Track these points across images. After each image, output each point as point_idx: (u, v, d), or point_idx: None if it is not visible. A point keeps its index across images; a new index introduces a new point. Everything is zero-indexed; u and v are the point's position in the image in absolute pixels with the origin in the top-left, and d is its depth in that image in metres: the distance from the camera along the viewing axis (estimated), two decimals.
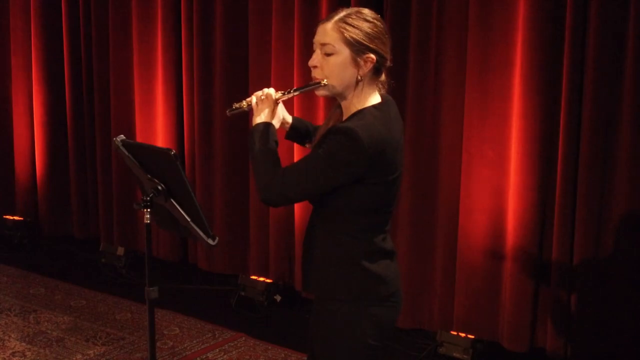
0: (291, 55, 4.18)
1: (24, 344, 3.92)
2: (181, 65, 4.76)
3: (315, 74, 2.09)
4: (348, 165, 1.98)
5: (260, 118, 2.14)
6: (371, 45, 2.04)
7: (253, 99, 2.17)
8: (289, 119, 2.31)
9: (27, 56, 5.58)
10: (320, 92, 2.11)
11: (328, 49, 2.04)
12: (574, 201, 3.41)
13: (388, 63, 2.11)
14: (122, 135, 2.41)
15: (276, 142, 2.13)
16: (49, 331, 4.10)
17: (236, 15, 4.47)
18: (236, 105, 2.21)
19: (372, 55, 2.04)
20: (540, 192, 3.49)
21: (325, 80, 2.06)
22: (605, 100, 3.30)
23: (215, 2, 4.52)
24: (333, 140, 1.99)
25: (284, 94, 2.17)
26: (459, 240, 3.72)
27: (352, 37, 2.02)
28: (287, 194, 2.06)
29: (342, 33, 2.02)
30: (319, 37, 2.08)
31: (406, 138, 3.68)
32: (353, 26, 2.03)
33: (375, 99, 2.11)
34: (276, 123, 2.18)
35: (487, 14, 3.52)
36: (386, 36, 2.08)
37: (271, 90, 2.17)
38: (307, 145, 2.40)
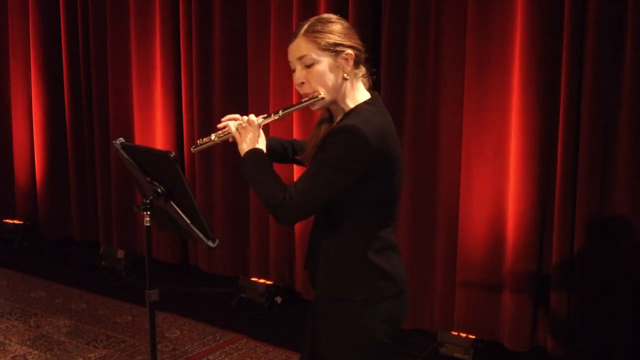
0: None
1: (24, 347, 3.92)
2: (180, 66, 4.76)
3: (305, 89, 2.08)
4: (356, 162, 1.97)
5: (247, 145, 2.10)
6: (346, 42, 2.06)
7: (232, 126, 2.14)
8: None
9: (25, 59, 5.58)
10: (317, 106, 2.09)
11: (307, 60, 2.04)
12: (574, 201, 3.41)
13: (363, 55, 2.12)
14: (121, 138, 2.40)
15: (270, 163, 2.11)
16: (49, 335, 4.10)
17: (235, 15, 4.47)
18: (201, 140, 2.20)
19: (350, 51, 2.06)
20: (540, 191, 3.49)
21: (322, 92, 2.05)
22: (605, 99, 3.29)
23: (214, 3, 4.52)
24: (335, 141, 1.97)
25: (266, 117, 2.13)
26: (459, 240, 3.72)
27: (327, 43, 2.03)
28: (302, 209, 2.01)
29: (316, 42, 2.03)
30: (294, 54, 2.07)
31: (405, 138, 3.71)
32: (324, 32, 2.04)
33: (364, 94, 2.12)
34: (262, 147, 2.13)
35: (486, 14, 3.52)
36: (353, 30, 2.11)
37: (252, 117, 2.13)
38: (297, 158, 2.33)
